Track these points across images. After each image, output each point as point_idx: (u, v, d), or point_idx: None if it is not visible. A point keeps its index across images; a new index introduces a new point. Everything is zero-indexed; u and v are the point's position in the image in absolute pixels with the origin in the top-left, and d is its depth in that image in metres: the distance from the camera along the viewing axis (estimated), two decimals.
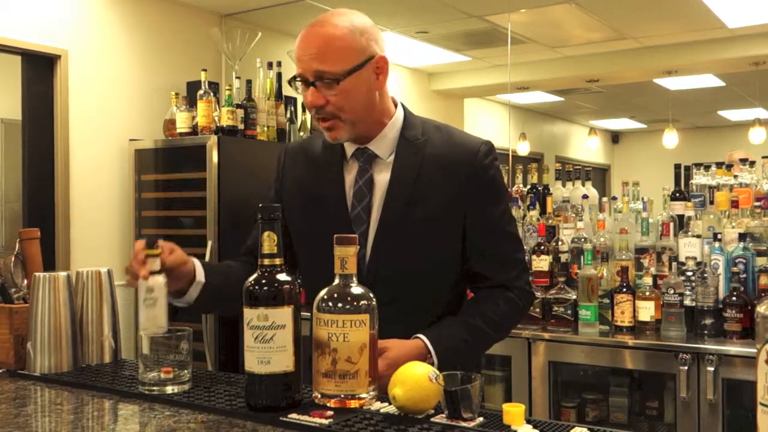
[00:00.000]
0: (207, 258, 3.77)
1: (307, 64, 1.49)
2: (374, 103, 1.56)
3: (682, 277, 2.75)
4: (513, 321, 1.66)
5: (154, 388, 1.42)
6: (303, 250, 1.67)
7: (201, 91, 3.95)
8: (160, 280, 1.54)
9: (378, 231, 1.56)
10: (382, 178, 1.58)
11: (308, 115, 4.45)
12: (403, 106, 1.68)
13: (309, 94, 1.51)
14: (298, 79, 1.52)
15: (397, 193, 1.56)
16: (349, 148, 1.62)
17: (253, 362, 1.26)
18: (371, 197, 1.58)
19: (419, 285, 1.56)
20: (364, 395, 1.27)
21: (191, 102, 4.05)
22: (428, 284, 1.58)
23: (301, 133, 4.39)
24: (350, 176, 1.61)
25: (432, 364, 1.47)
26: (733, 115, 10.02)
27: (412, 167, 1.57)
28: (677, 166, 3.27)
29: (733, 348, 2.55)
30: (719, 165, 3.25)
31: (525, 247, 3.12)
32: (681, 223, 3.00)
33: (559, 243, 3.06)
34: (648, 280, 2.78)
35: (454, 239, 1.58)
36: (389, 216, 1.55)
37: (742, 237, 2.74)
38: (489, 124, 8.44)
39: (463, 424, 1.18)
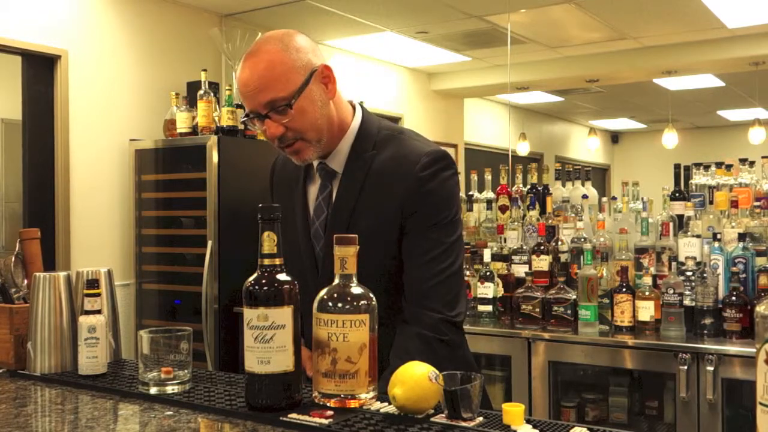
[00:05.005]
0: (207, 258, 3.77)
1: (255, 99, 1.47)
2: (331, 114, 1.54)
3: (682, 277, 2.75)
4: (430, 356, 1.39)
5: (154, 388, 1.42)
6: None
7: (201, 91, 3.95)
8: (102, 319, 1.57)
9: (326, 244, 1.54)
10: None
11: None
12: (362, 109, 1.64)
13: (267, 127, 1.49)
14: (251, 116, 1.50)
15: (342, 208, 1.56)
16: (315, 162, 1.62)
17: (253, 362, 1.26)
18: (328, 213, 1.58)
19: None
20: (363, 395, 1.27)
21: (191, 102, 4.05)
22: (378, 297, 1.36)
23: None
24: (315, 189, 1.63)
25: None
26: (732, 115, 10.03)
27: (356, 182, 1.55)
28: (677, 166, 3.27)
29: (733, 348, 2.55)
30: (719, 165, 3.25)
31: (524, 247, 3.15)
32: (681, 223, 3.01)
33: (559, 243, 3.06)
34: (648, 280, 2.78)
35: (392, 254, 1.54)
36: (334, 230, 1.49)
37: (741, 237, 2.74)
38: (489, 124, 8.45)
39: (463, 424, 1.18)
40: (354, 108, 1.63)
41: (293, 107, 1.46)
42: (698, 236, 2.83)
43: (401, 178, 1.52)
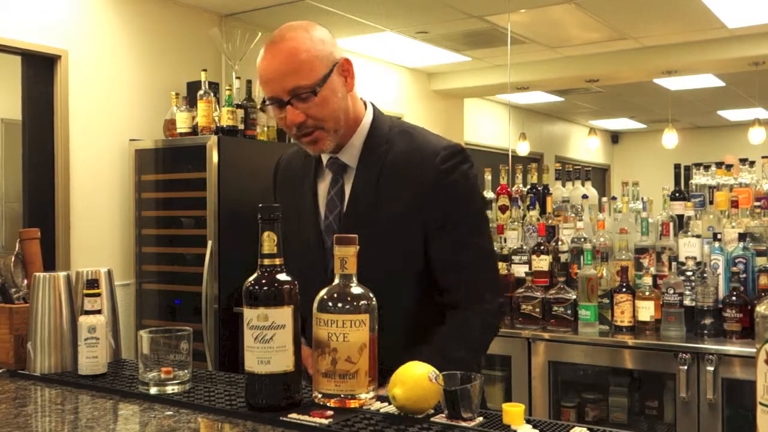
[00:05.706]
0: (207, 258, 3.77)
1: (279, 84, 1.47)
2: (348, 107, 1.55)
3: (682, 277, 2.75)
4: (487, 341, 1.60)
5: (154, 388, 1.42)
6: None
7: (201, 91, 3.95)
8: (102, 319, 1.57)
9: None
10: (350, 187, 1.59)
11: None
12: (373, 106, 1.65)
13: (287, 113, 1.48)
14: (271, 102, 1.50)
15: (358, 202, 1.56)
16: (324, 157, 1.62)
17: (253, 362, 1.26)
18: (342, 207, 1.58)
19: (384, 292, 1.37)
20: (363, 395, 1.27)
21: (191, 102, 4.05)
22: (394, 292, 1.47)
23: None
24: (324, 185, 1.62)
25: None
26: (732, 115, 10.02)
27: (372, 175, 1.55)
28: (677, 166, 3.27)
29: (733, 348, 2.55)
30: (719, 165, 3.25)
31: (524, 247, 3.15)
32: (681, 223, 3.01)
33: (559, 243, 3.06)
34: (648, 280, 2.78)
35: (416, 246, 1.54)
36: (351, 224, 1.51)
37: (741, 237, 2.74)
38: (489, 124, 8.45)
39: (463, 424, 1.18)
40: (365, 105, 1.64)
41: (317, 96, 1.46)
42: (698, 236, 2.83)
43: (418, 168, 1.53)
